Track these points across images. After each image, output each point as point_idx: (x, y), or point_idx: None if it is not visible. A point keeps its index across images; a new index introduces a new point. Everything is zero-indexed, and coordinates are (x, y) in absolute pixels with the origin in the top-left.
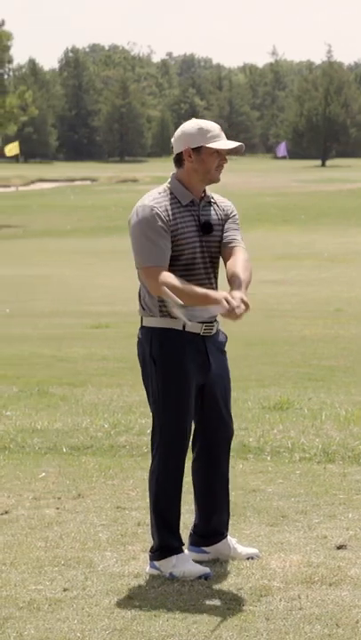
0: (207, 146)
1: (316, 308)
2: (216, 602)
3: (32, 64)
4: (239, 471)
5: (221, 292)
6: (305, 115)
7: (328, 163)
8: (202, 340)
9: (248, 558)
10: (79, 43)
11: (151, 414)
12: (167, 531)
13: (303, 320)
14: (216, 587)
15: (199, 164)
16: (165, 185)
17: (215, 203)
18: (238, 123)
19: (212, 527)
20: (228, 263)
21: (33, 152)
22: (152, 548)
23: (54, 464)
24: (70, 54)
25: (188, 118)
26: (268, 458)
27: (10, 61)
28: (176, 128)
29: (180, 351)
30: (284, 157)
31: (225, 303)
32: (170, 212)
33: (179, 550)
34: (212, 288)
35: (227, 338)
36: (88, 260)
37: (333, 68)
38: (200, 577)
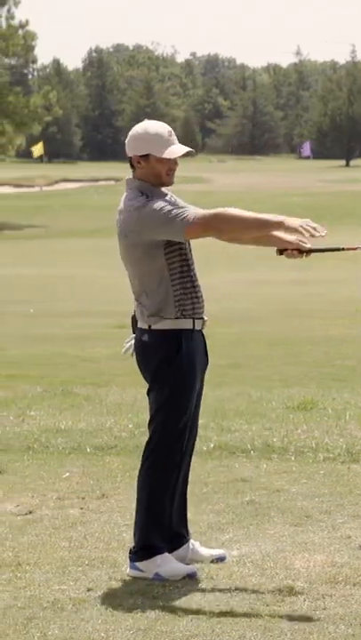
0: (153, 154)
1: (340, 308)
2: (240, 602)
3: (56, 64)
4: (263, 471)
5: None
6: (329, 115)
7: (352, 162)
8: (202, 336)
9: (214, 561)
10: (103, 43)
11: (150, 417)
12: (157, 531)
13: (326, 320)
14: (240, 587)
15: (148, 170)
16: (132, 190)
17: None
18: (262, 123)
19: (174, 531)
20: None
21: (57, 152)
22: (133, 548)
23: (78, 464)
24: (94, 54)
25: (212, 118)
26: (292, 458)
27: (34, 61)
28: (200, 128)
29: (195, 351)
30: (308, 157)
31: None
32: None
33: (163, 550)
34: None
35: None
36: (111, 260)
37: (357, 68)
38: (186, 576)
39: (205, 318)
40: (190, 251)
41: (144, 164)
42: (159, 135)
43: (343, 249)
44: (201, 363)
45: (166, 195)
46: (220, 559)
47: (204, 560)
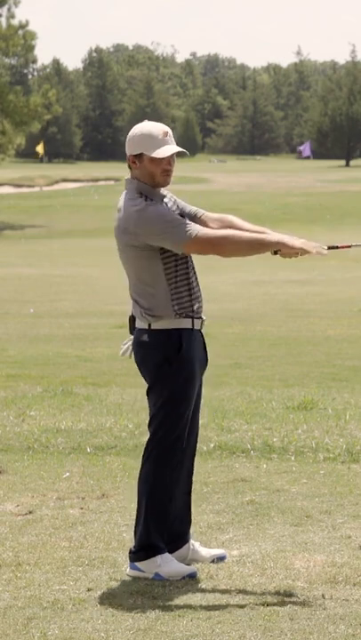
0: (146, 154)
1: (341, 308)
2: (240, 602)
3: (56, 64)
4: (263, 471)
5: (274, 234)
6: (329, 115)
7: (352, 163)
8: (201, 336)
9: (214, 560)
10: (103, 43)
11: (151, 414)
12: (157, 531)
13: (327, 320)
14: (240, 587)
15: (142, 170)
16: (131, 190)
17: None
18: (262, 123)
19: (175, 532)
20: (215, 225)
21: (57, 152)
22: (133, 548)
23: (78, 464)
24: (94, 54)
25: (212, 118)
26: (293, 458)
27: (34, 61)
28: (200, 128)
29: (194, 351)
30: (308, 157)
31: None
32: None
33: (163, 551)
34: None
35: None
36: (112, 260)
37: (358, 68)
38: (186, 576)
39: (204, 318)
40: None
41: (139, 165)
42: (152, 135)
43: (338, 247)
44: (200, 362)
45: (165, 197)
46: (221, 558)
47: (204, 560)
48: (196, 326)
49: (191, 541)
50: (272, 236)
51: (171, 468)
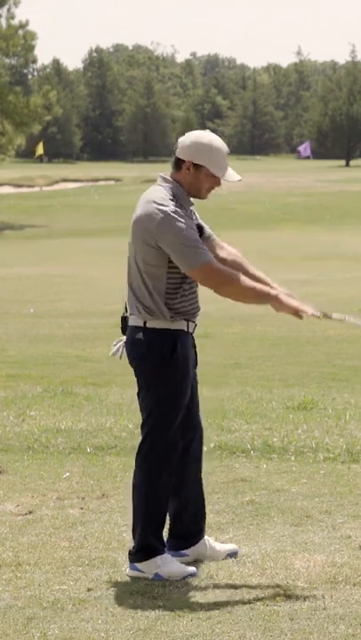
0: (208, 168)
1: (341, 308)
2: (240, 602)
3: (56, 64)
4: (263, 471)
5: (274, 290)
6: (329, 115)
7: (352, 162)
8: (192, 338)
9: (227, 556)
10: (103, 43)
11: (144, 416)
12: (154, 532)
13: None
14: (240, 587)
15: (194, 180)
16: (167, 190)
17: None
18: (262, 123)
19: (188, 528)
20: (223, 254)
21: (57, 152)
22: (132, 549)
23: (78, 464)
24: (94, 54)
25: (212, 118)
26: (293, 458)
27: (34, 61)
28: (200, 128)
29: (188, 352)
30: (307, 157)
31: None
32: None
33: (162, 551)
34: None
35: None
36: (112, 260)
37: (358, 68)
38: (186, 576)
39: (197, 323)
40: None
41: (193, 172)
42: (222, 155)
43: (331, 318)
44: (193, 363)
45: (192, 205)
46: (233, 554)
47: (219, 556)
48: (190, 329)
49: (206, 537)
50: (275, 291)
51: (166, 472)
